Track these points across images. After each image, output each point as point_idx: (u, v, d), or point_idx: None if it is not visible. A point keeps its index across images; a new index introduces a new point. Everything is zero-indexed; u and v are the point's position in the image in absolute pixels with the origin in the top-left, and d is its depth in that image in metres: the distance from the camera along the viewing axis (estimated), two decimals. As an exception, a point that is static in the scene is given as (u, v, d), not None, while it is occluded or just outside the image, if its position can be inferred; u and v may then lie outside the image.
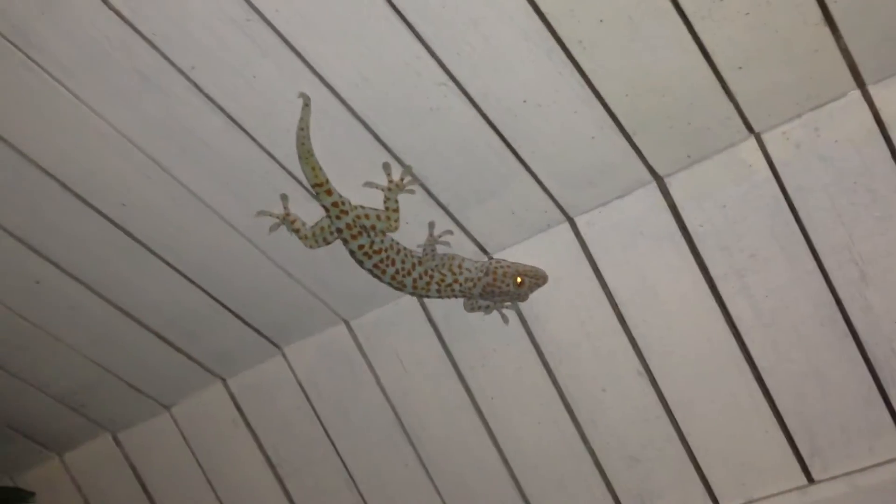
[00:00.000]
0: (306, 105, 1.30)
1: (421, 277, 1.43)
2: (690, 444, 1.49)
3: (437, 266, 1.44)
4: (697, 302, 1.43)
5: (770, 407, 1.43)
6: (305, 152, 1.33)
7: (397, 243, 1.43)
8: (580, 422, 1.56)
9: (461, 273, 1.44)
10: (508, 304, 1.51)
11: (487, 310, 1.52)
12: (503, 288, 1.43)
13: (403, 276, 1.42)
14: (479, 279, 1.43)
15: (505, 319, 1.52)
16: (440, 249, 1.48)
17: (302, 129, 1.32)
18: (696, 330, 1.44)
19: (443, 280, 1.44)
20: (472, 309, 1.51)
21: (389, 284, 1.44)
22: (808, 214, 1.33)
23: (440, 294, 1.45)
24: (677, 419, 1.49)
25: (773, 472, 1.45)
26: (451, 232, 1.47)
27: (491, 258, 1.48)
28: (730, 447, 1.47)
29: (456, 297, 1.47)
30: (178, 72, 1.29)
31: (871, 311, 1.33)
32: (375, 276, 1.43)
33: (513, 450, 1.62)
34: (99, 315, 1.68)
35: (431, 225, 1.46)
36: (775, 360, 1.40)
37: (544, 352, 1.54)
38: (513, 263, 1.44)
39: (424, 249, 1.45)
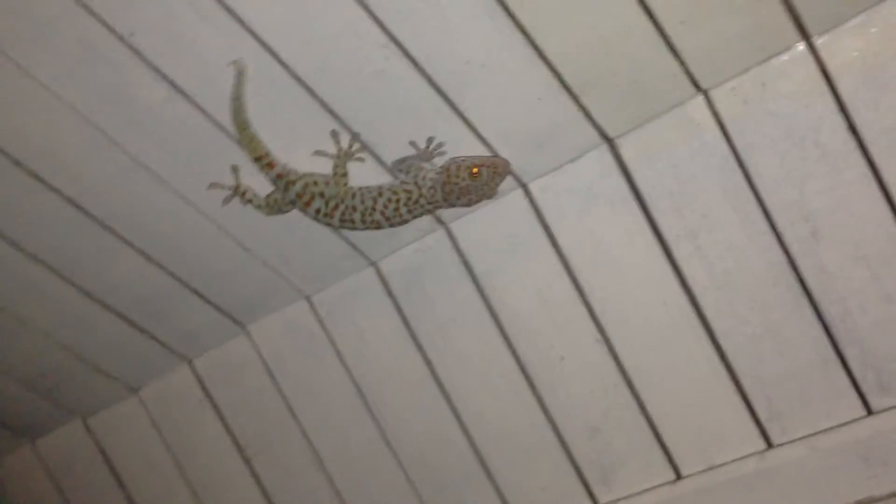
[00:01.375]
0: (240, 73, 1.29)
1: (387, 207, 1.37)
2: (649, 411, 1.48)
3: (402, 182, 1.38)
4: (652, 265, 1.41)
5: (727, 371, 1.41)
6: (241, 124, 1.33)
7: (350, 188, 1.39)
8: (540, 392, 1.54)
9: (425, 184, 1.37)
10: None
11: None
12: (461, 184, 1.34)
13: (370, 214, 1.38)
14: (438, 182, 1.36)
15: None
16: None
17: (236, 98, 1.31)
18: (652, 294, 1.42)
19: (409, 198, 1.37)
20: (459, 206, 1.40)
21: (365, 229, 1.41)
22: (758, 172, 1.32)
23: (413, 215, 1.39)
24: (636, 386, 1.47)
25: (733, 438, 1.43)
26: (442, 143, 1.39)
27: (452, 158, 1.38)
28: (688, 413, 1.45)
29: (427, 211, 1.40)
30: (118, 38, 1.29)
31: (824, 269, 1.32)
32: (348, 229, 1.42)
33: (474, 421, 1.60)
34: (60, 295, 1.68)
35: (415, 144, 1.39)
36: (731, 322, 1.39)
37: (502, 321, 1.53)
38: (468, 157, 1.36)
39: (407, 164, 1.39)
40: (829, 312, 1.33)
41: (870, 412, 1.35)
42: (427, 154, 1.39)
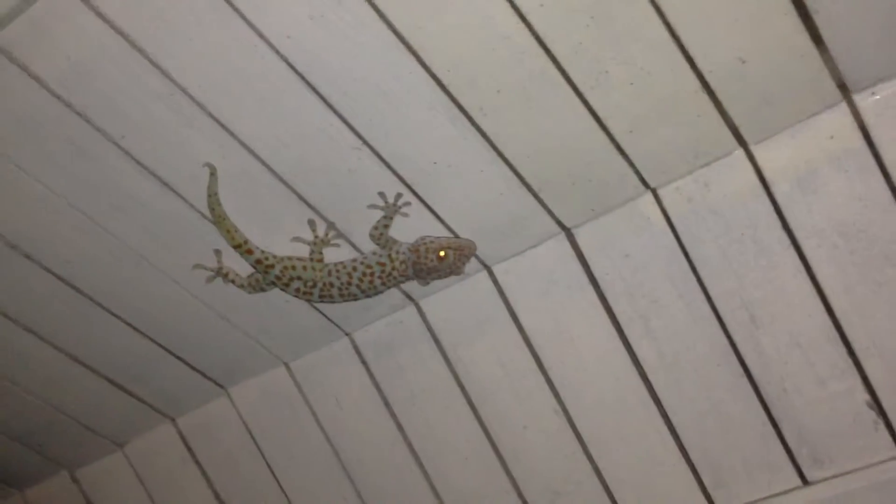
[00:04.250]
0: (212, 174, 1.40)
1: (362, 280, 1.47)
2: (605, 477, 1.58)
3: (376, 254, 1.47)
4: (606, 344, 1.52)
5: (676, 442, 1.52)
6: (218, 217, 1.43)
7: (326, 266, 1.49)
8: (504, 458, 1.64)
9: (398, 257, 1.46)
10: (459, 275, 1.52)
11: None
12: (429, 264, 1.44)
13: (347, 287, 1.48)
14: (409, 259, 1.46)
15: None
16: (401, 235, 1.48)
17: (210, 195, 1.41)
18: (607, 370, 1.53)
19: (383, 271, 1.46)
20: (426, 284, 1.52)
21: (343, 301, 1.51)
22: (701, 263, 1.43)
23: (386, 286, 1.49)
24: (592, 454, 1.58)
25: (681, 504, 1.54)
26: (408, 203, 1.46)
27: (422, 238, 1.48)
28: (641, 480, 1.56)
29: (399, 283, 1.50)
30: (109, 140, 1.38)
31: (763, 352, 1.43)
32: (326, 302, 1.52)
33: (443, 484, 1.70)
34: (51, 362, 1.76)
35: (383, 196, 1.45)
36: (678, 398, 1.50)
37: (469, 391, 1.63)
38: (437, 238, 1.46)
39: (379, 231, 1.46)
40: (767, 392, 1.44)
41: (805, 483, 1.46)
42: (393, 208, 1.46)
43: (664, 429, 1.52)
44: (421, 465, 1.71)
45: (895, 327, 1.35)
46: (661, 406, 1.51)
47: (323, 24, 1.24)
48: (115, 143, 1.39)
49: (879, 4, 1.18)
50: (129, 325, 1.69)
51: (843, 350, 1.39)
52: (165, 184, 1.45)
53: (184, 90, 1.32)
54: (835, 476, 1.44)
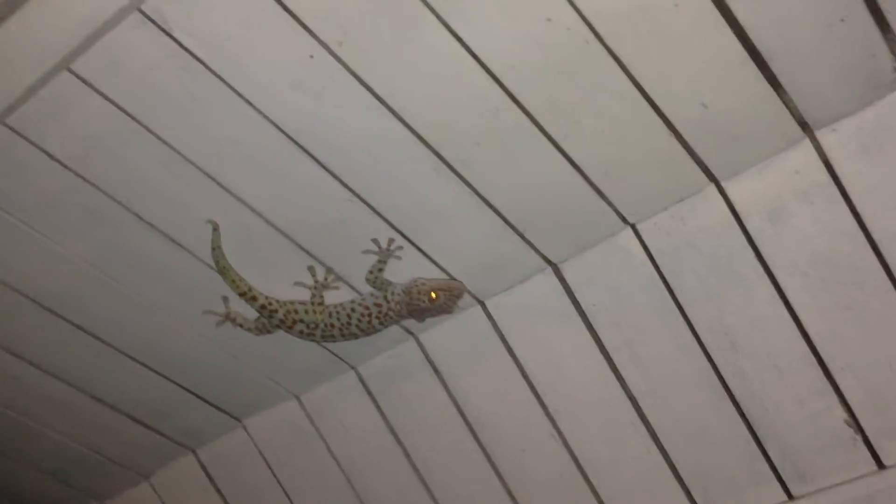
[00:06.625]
0: (215, 230, 1.51)
1: (360, 321, 1.55)
2: (602, 496, 1.66)
3: (373, 296, 1.55)
4: (596, 371, 1.60)
5: (666, 462, 1.59)
6: (222, 269, 1.53)
7: (326, 308, 1.57)
8: (506, 480, 1.73)
9: (393, 299, 1.54)
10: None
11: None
12: (421, 305, 1.52)
13: (347, 328, 1.57)
14: (403, 300, 1.54)
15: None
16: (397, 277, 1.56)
17: (214, 248, 1.51)
18: (598, 396, 1.61)
19: (380, 312, 1.54)
20: (421, 322, 1.61)
21: (345, 340, 1.60)
22: (681, 292, 1.50)
23: (384, 325, 1.57)
24: (588, 475, 1.66)
25: (675, 521, 1.62)
26: (401, 247, 1.55)
27: (415, 279, 1.55)
28: (635, 499, 1.64)
29: (396, 322, 1.58)
30: (120, 205, 1.49)
31: (744, 375, 1.50)
32: (329, 342, 1.61)
33: (449, 506, 1.79)
34: (78, 404, 1.88)
35: (377, 242, 1.54)
36: (667, 420, 1.57)
37: (469, 419, 1.72)
38: (429, 280, 1.54)
39: (374, 275, 1.54)
40: (750, 412, 1.51)
41: (791, 497, 1.53)
42: (386, 253, 1.55)
43: (654, 449, 1.60)
44: (428, 489, 1.80)
45: (868, 349, 1.42)
46: (651, 427, 1.59)
47: (307, 92, 1.33)
48: (125, 207, 1.49)
49: (830, 49, 1.25)
50: (147, 367, 1.80)
51: (819, 371, 1.46)
52: (173, 241, 1.55)
53: (185, 157, 1.42)
54: (818, 490, 1.51)
